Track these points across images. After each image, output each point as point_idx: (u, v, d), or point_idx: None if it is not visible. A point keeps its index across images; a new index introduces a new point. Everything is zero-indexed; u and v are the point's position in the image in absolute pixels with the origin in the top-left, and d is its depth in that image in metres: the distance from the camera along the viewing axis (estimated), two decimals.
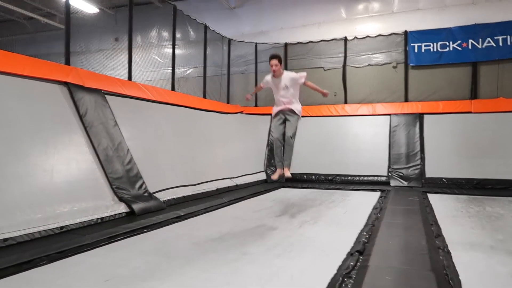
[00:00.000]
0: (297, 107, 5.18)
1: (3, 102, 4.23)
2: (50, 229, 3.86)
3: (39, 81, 4.85)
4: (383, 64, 10.31)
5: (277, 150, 5.34)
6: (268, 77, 5.40)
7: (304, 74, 5.22)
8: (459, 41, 9.44)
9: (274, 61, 5.07)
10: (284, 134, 5.26)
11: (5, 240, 3.39)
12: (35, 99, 4.68)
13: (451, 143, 8.84)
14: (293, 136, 5.15)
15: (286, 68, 11.04)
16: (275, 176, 5.39)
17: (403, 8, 10.36)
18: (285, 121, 5.25)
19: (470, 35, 9.34)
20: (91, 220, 4.35)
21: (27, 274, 2.84)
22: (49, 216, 3.96)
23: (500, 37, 9.07)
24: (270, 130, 10.34)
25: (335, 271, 2.84)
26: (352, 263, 2.99)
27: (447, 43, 9.56)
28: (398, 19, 10.34)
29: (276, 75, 5.20)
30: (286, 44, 11.18)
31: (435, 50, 9.69)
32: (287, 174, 5.31)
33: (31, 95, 4.66)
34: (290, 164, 5.32)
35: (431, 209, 5.66)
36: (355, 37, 10.55)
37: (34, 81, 4.77)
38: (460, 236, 4.03)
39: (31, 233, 3.65)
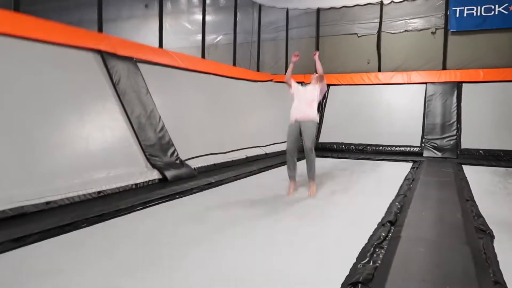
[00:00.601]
0: (314, 119, 4.66)
1: (40, 70, 4.35)
2: (89, 194, 4.02)
3: (74, 49, 4.93)
4: (421, 29, 9.81)
5: (290, 163, 4.76)
6: (296, 84, 4.90)
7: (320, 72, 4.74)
8: (505, 4, 8.78)
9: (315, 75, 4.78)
10: (296, 146, 4.75)
11: (47, 203, 3.57)
12: (70, 67, 4.77)
13: (491, 113, 8.44)
14: (312, 148, 4.60)
15: (317, 35, 10.73)
16: (289, 191, 4.66)
17: None
18: (300, 130, 4.66)
19: None
20: (126, 185, 4.50)
21: (69, 236, 2.99)
22: (87, 181, 4.13)
23: None
24: None
25: (366, 241, 2.84)
26: (383, 234, 2.97)
27: (492, 7, 8.92)
28: None
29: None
30: (318, 10, 10.78)
31: (478, 14, 9.07)
32: (313, 191, 4.61)
33: (67, 63, 4.75)
34: (314, 178, 4.67)
35: (466, 182, 5.48)
36: (392, 1, 10.03)
37: (68, 49, 4.85)
38: (497, 214, 3.82)
39: (71, 197, 3.82)
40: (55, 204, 3.63)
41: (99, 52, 5.24)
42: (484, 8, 9.02)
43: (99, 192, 4.13)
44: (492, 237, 3.00)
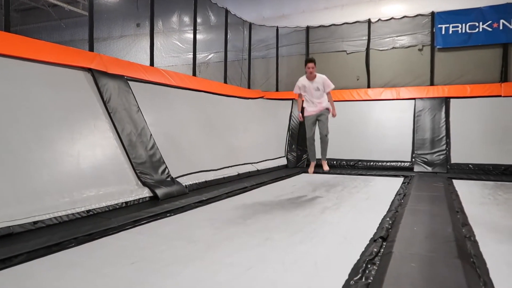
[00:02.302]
0: (327, 106, 5.78)
1: (30, 89, 4.33)
2: (78, 213, 3.96)
3: (64, 68, 4.94)
4: (408, 46, 10.00)
5: (311, 147, 6.03)
6: (303, 81, 5.86)
7: (332, 86, 5.82)
8: (489, 22, 9.04)
9: (311, 64, 5.64)
10: (314, 132, 5.93)
11: (35, 223, 3.51)
12: (60, 86, 4.76)
13: (479, 127, 8.57)
14: (327, 134, 5.82)
15: (307, 53, 10.90)
16: (311, 170, 6.11)
17: None
18: (316, 120, 5.82)
19: (501, 14, 8.91)
20: (116, 204, 4.45)
21: (57, 256, 2.93)
22: (76, 200, 4.07)
23: None
24: (291, 115, 10.26)
25: (358, 257, 2.82)
26: (375, 249, 2.96)
27: (477, 24, 9.17)
28: (425, 0, 9.98)
29: (311, 78, 5.73)
30: (308, 28, 10.97)
31: (463, 31, 9.31)
32: (325, 167, 6.02)
33: (57, 82, 4.74)
34: (326, 158, 6.04)
35: (457, 195, 5.53)
36: (379, 19, 10.25)
37: (59, 68, 4.85)
38: (488, 225, 3.92)
39: (59, 217, 3.76)
40: (43, 224, 3.57)
41: (90, 70, 5.25)
42: (469, 25, 9.25)
43: (88, 211, 4.07)
44: (475, 242, 3.15)
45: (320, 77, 5.75)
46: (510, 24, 8.86)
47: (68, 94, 4.81)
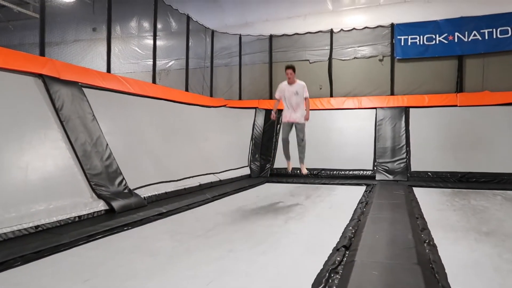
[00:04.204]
0: (303, 113, 6.12)
1: None
2: (25, 229, 3.77)
3: (12, 73, 4.72)
4: (369, 57, 10.39)
5: (285, 148, 6.36)
6: (283, 85, 6.21)
7: (308, 94, 6.18)
8: (445, 34, 9.58)
9: (290, 71, 6.01)
10: (289, 135, 6.27)
11: None
12: (8, 92, 4.55)
13: (437, 136, 8.99)
14: (303, 139, 6.20)
15: (270, 61, 11.06)
16: (289, 168, 6.47)
17: (390, 0, 10.42)
18: (293, 124, 6.15)
19: (456, 28, 9.48)
20: (68, 218, 4.27)
21: (2, 275, 2.77)
22: (23, 215, 3.87)
23: (486, 30, 9.23)
24: (254, 124, 10.31)
25: (321, 267, 2.86)
26: (338, 259, 3.02)
27: (434, 36, 9.69)
28: (385, 12, 10.42)
29: (290, 83, 6.10)
30: (271, 36, 11.15)
31: (421, 43, 9.80)
32: (304, 170, 6.40)
33: (4, 88, 4.52)
34: (304, 161, 6.33)
35: (417, 202, 5.76)
36: (341, 30, 10.59)
37: (6, 73, 4.63)
38: (445, 229, 4.11)
39: (4, 233, 3.56)
40: None
41: (41, 76, 5.06)
42: (426, 37, 9.76)
43: (37, 227, 3.88)
44: (434, 246, 3.34)
45: (300, 84, 6.12)
46: (464, 37, 9.43)
47: (16, 101, 4.60)
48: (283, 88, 6.19)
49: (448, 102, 9.27)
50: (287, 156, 6.45)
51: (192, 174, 7.26)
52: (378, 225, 4.18)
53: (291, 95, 6.08)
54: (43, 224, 3.95)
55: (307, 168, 6.55)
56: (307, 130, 6.26)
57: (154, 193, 5.86)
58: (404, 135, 9.24)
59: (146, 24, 10.80)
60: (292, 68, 6.04)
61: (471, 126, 8.83)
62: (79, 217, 4.42)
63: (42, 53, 5.43)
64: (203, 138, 8.58)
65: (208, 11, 11.79)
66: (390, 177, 8.74)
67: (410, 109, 9.56)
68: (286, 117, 6.16)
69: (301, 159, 6.31)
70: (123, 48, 9.57)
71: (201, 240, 3.75)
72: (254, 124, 10.35)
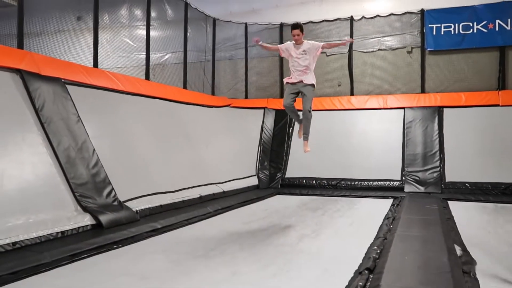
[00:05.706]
0: (311, 78, 5.83)
1: None
2: (1, 246, 3.80)
3: None
4: (396, 48, 10.37)
5: (292, 114, 6.26)
6: (288, 43, 5.96)
7: (320, 43, 5.87)
8: (484, 22, 9.52)
9: (297, 31, 5.70)
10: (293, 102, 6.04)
11: None
12: None
13: (475, 141, 8.91)
14: (310, 110, 5.91)
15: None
16: (300, 133, 6.22)
17: None
18: (298, 93, 5.92)
19: (497, 14, 9.42)
20: (50, 234, 4.31)
21: None
22: None
23: None
24: (262, 127, 10.32)
25: None
26: (361, 283, 3.01)
27: (471, 24, 9.64)
28: None
29: (298, 43, 5.82)
30: (281, 25, 11.17)
31: (456, 32, 9.76)
32: (307, 148, 6.09)
33: None
34: (308, 137, 6.06)
35: (453, 221, 5.68)
36: (363, 17, 10.59)
37: None
38: (489, 260, 3.87)
39: None
40: None
41: (19, 71, 5.13)
42: (462, 25, 9.70)
43: (14, 243, 3.92)
44: (476, 280, 3.15)
45: (308, 42, 5.84)
46: (507, 25, 9.36)
47: None
48: (286, 48, 5.91)
49: (489, 101, 9.20)
50: (298, 120, 6.25)
51: (191, 185, 7.28)
52: (407, 244, 4.15)
53: (298, 56, 5.79)
54: (21, 241, 3.99)
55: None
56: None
57: (147, 206, 5.89)
58: (437, 139, 9.18)
59: (138, 12, 10.89)
60: (300, 27, 5.71)
61: None
62: (62, 233, 4.45)
63: (20, 46, 5.51)
64: (204, 143, 8.61)
65: None
66: (421, 188, 8.68)
67: (444, 109, 9.51)
68: (291, 78, 5.87)
69: (306, 135, 6.05)
70: (112, 39, 9.64)
71: (201, 261, 3.76)
72: (262, 126, 10.37)
